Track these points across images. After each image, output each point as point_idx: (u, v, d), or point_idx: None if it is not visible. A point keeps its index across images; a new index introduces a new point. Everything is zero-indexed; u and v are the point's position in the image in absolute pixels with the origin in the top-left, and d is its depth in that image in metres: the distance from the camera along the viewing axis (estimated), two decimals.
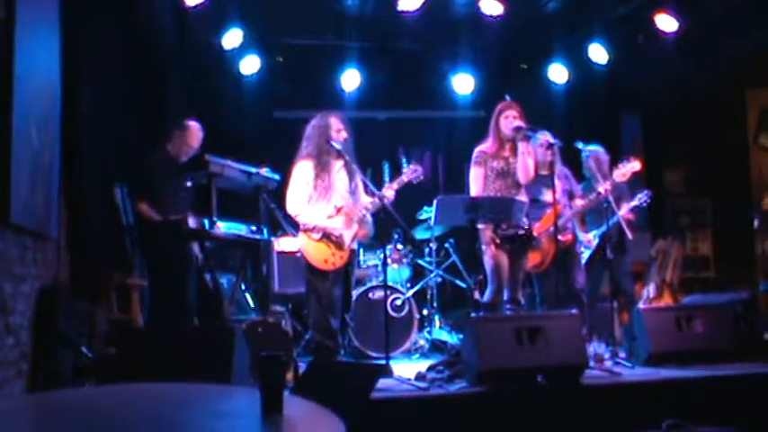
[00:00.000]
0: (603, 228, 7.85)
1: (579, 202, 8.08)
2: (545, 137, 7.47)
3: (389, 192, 7.13)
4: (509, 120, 7.23)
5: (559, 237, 7.53)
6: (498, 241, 7.17)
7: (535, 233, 7.60)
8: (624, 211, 8.28)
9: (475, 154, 7.38)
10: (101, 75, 7.27)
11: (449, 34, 10.33)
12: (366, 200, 7.23)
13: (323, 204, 7.08)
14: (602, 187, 7.85)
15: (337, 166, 7.21)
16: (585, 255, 8.37)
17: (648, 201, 8.44)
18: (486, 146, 7.37)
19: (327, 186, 7.10)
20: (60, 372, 5.77)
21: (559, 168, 7.96)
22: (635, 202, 8.43)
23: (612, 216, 7.89)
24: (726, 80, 10.61)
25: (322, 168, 7.11)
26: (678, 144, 11.54)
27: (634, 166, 7.92)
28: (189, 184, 7.33)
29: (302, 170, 7.11)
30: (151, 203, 7.24)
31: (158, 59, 9.20)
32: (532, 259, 7.75)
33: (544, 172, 7.74)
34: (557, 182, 7.52)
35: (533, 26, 10.16)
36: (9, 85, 4.84)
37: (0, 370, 4.81)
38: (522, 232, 7.24)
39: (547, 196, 7.74)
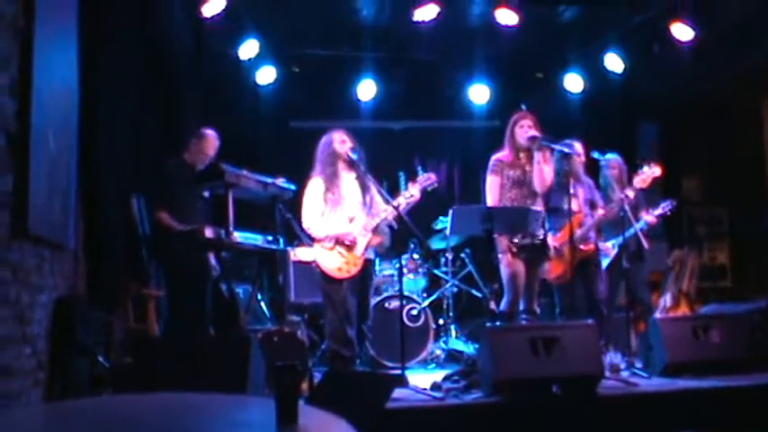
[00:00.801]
0: (622, 237, 7.81)
1: (600, 212, 8.01)
2: (562, 148, 7.44)
3: (404, 197, 7.13)
4: (524, 129, 7.25)
5: (582, 246, 7.54)
6: (514, 250, 7.16)
7: (557, 243, 7.58)
8: (650, 218, 8.29)
9: (491, 162, 7.39)
10: (118, 85, 7.30)
11: (464, 44, 10.34)
12: (381, 213, 7.23)
13: (335, 215, 7.13)
14: (627, 192, 7.84)
15: (349, 178, 7.26)
16: (603, 264, 8.33)
17: (673, 209, 8.42)
18: (503, 154, 7.38)
19: (338, 198, 7.17)
20: (77, 381, 5.79)
21: (582, 178, 7.96)
22: (659, 211, 8.41)
23: (630, 226, 7.86)
24: (742, 89, 10.57)
25: (331, 182, 7.19)
26: (694, 152, 11.51)
27: (654, 171, 7.90)
28: (206, 194, 7.35)
29: (313, 186, 7.23)
30: (170, 212, 7.24)
31: (175, 69, 9.24)
32: (555, 270, 7.73)
33: (566, 181, 7.71)
34: (579, 191, 7.55)
35: (549, 36, 10.17)
36: (28, 94, 4.87)
37: (17, 379, 4.83)
38: (538, 241, 7.23)
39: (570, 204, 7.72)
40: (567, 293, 7.89)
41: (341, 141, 7.24)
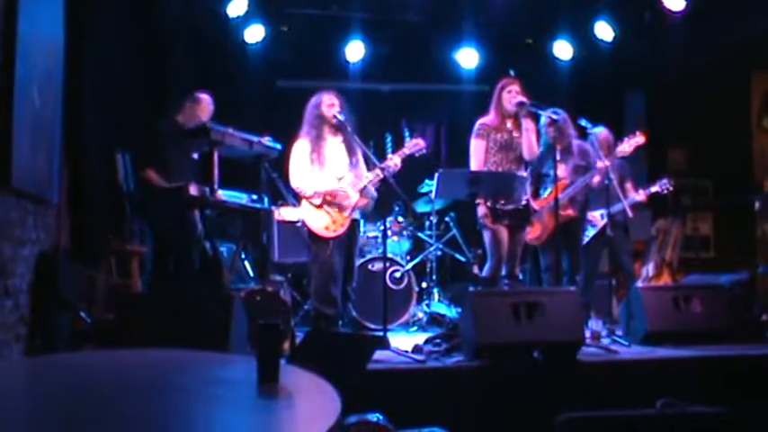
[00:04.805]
0: (611, 207, 7.81)
1: (593, 178, 7.95)
2: (551, 115, 7.42)
3: (392, 161, 7.16)
4: (511, 95, 7.26)
5: (561, 211, 7.57)
6: (497, 216, 7.18)
7: (537, 207, 7.61)
8: (641, 196, 8.33)
9: (477, 126, 7.40)
10: (104, 39, 7.25)
11: (454, 8, 10.28)
12: (369, 174, 7.25)
13: (322, 175, 7.15)
14: (606, 161, 7.82)
15: (335, 141, 7.29)
16: (590, 233, 8.33)
17: (669, 188, 8.42)
18: (489, 119, 7.39)
19: (323, 161, 7.22)
20: (59, 336, 5.78)
21: (572, 146, 7.95)
22: (656, 188, 8.41)
23: (615, 195, 7.85)
24: (731, 61, 10.56)
25: (317, 144, 7.23)
26: (681, 123, 11.50)
27: (638, 140, 7.89)
28: (195, 156, 7.30)
29: (299, 148, 7.27)
30: (158, 172, 7.19)
31: (162, 26, 9.16)
32: (533, 232, 7.77)
33: (557, 147, 7.70)
34: (569, 159, 7.63)
35: (539, 2, 10.11)
36: (12, 46, 4.83)
37: None
38: (520, 207, 7.25)
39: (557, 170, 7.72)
40: (549, 255, 7.89)
41: (329, 105, 7.25)
